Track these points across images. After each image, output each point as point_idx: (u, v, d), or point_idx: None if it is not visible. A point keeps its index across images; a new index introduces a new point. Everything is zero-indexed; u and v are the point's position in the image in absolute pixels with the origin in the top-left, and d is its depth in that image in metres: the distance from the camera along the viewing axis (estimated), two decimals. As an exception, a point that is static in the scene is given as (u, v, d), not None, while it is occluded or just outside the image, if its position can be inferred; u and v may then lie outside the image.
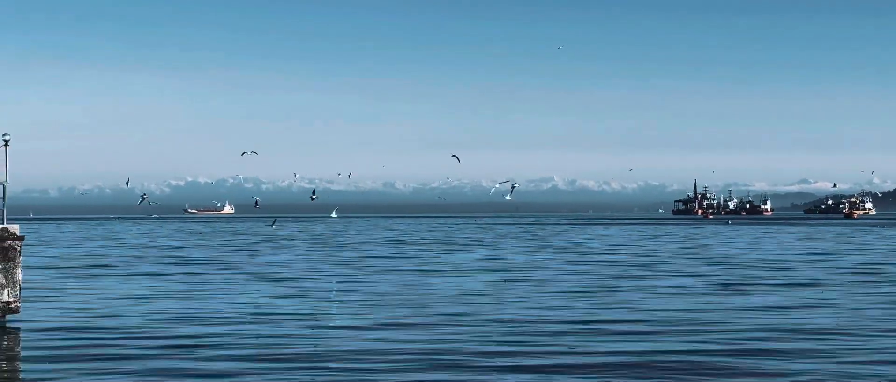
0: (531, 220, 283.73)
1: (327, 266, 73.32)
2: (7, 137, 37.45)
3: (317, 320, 39.31)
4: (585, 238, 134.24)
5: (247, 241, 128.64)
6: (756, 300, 46.77)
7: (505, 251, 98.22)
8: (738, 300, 46.29)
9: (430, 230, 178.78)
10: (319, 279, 60.50)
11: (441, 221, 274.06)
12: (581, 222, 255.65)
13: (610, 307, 43.92)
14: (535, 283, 57.03)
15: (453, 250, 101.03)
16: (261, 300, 46.90)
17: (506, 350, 31.75)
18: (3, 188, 37.72)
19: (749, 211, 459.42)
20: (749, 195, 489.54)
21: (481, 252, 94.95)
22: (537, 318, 39.73)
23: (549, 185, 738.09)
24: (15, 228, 36.97)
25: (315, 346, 32.75)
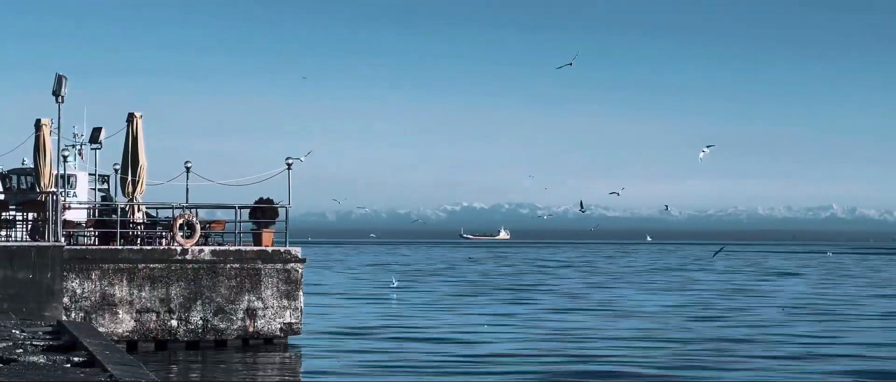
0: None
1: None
2: (290, 161, 38.10)
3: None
4: None
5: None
6: None
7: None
8: None
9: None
10: None
11: (741, 249, 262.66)
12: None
13: None
14: None
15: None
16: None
17: None
18: (286, 211, 38.36)
19: None
20: None
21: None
22: None
23: (828, 213, 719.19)
24: (296, 250, 37.56)
25: None
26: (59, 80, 36.15)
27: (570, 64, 63.67)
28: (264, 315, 36.68)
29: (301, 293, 37.33)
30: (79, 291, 35.23)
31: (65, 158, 39.88)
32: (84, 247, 36.75)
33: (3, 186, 50.74)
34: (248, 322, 36.54)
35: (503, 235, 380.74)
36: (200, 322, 36.13)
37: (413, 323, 48.98)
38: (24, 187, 48.85)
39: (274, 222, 38.48)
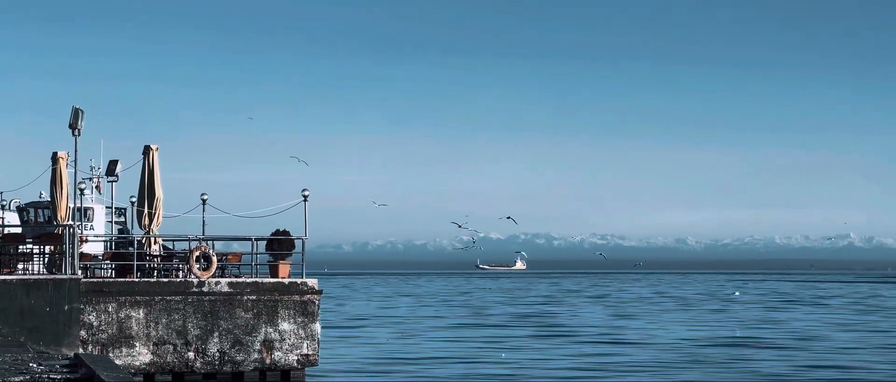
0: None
1: None
2: (306, 193, 38.13)
3: None
4: None
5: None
6: None
7: None
8: None
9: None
10: None
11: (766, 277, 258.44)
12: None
13: None
14: None
15: None
16: None
17: None
18: (303, 243, 38.35)
19: None
20: None
21: None
22: None
23: (846, 242, 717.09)
24: (313, 282, 37.53)
25: None
26: (76, 113, 36.21)
27: None
28: (281, 347, 36.64)
29: (318, 324, 37.29)
30: (96, 323, 35.24)
31: (81, 191, 39.95)
32: (101, 279, 36.77)
33: (21, 219, 50.86)
34: (264, 354, 36.50)
35: (520, 265, 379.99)
36: (217, 354, 36.11)
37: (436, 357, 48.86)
38: (41, 220, 48.97)
39: (290, 254, 38.50)
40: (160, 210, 38.78)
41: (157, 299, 35.81)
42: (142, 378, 35.07)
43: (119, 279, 36.49)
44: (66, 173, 38.16)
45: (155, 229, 38.94)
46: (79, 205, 39.03)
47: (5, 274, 35.34)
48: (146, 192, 38.94)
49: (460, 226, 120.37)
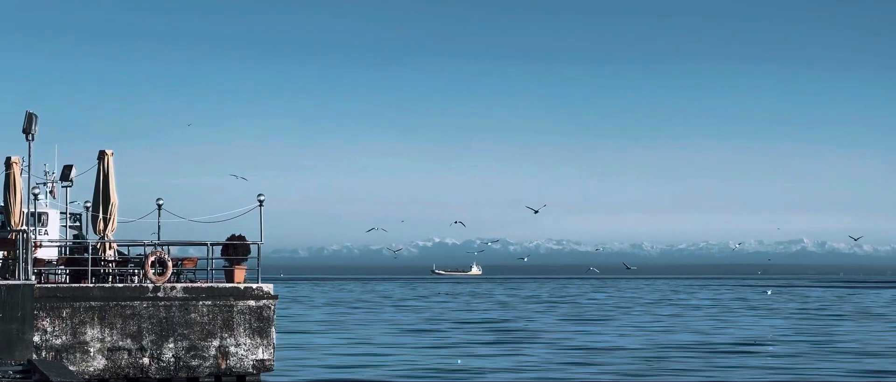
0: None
1: None
2: (262, 198, 38.02)
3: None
4: None
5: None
6: None
7: None
8: None
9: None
10: None
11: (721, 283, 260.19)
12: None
13: None
14: None
15: None
16: None
17: None
18: (259, 248, 38.25)
19: None
20: None
21: None
22: None
23: (799, 247, 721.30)
24: (269, 287, 37.44)
25: None
26: (30, 118, 35.98)
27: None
28: (237, 353, 36.53)
29: (273, 330, 37.19)
30: (50, 329, 35.03)
31: (35, 196, 39.65)
32: (55, 285, 36.54)
33: (-27, 224, 50.48)
34: (220, 360, 36.38)
35: (475, 271, 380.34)
36: (173, 360, 35.97)
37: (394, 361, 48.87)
38: (-6, 225, 48.60)
39: (246, 259, 38.37)
40: (115, 215, 38.61)
41: (111, 304, 35.63)
42: (96, 384, 34.89)
43: (73, 285, 36.27)
44: (19, 178, 37.94)
45: (110, 234, 38.76)
46: (33, 210, 38.77)
47: (-42, 280, 35.06)
48: (101, 197, 38.77)
49: (462, 224, 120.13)
